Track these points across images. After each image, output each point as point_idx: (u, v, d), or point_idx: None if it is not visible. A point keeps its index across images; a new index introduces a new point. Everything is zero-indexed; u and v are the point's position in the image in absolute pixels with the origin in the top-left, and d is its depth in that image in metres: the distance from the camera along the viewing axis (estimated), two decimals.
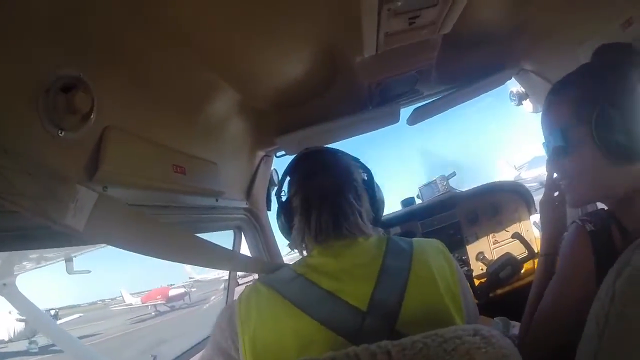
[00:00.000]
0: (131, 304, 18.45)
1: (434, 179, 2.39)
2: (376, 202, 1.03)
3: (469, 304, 0.93)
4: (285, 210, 0.99)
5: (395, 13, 1.00)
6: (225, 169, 1.37)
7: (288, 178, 1.02)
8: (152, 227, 0.81)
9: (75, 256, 2.30)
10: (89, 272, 2.59)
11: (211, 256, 0.97)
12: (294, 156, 1.07)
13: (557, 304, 0.88)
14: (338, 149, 1.04)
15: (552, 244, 1.07)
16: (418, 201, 2.45)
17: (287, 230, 1.00)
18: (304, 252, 0.96)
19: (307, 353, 0.73)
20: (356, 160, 1.05)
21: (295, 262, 0.93)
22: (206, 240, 0.91)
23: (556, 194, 1.12)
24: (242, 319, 0.82)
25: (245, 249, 1.82)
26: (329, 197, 0.91)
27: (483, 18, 1.31)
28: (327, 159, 0.98)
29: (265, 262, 1.72)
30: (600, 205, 0.96)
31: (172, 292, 17.73)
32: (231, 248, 1.79)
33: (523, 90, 1.91)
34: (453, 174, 2.42)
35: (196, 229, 1.37)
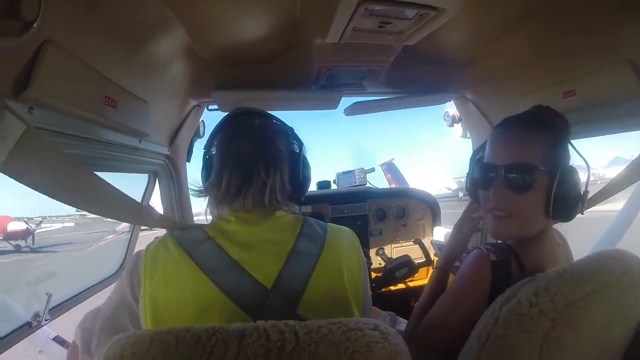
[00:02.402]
0: None
1: (354, 169, 2.56)
2: (298, 177, 0.99)
3: (366, 295, 1.00)
4: (207, 168, 0.96)
5: (370, 13, 1.06)
6: (155, 110, 1.35)
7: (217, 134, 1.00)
8: (73, 173, 0.79)
9: None
10: None
11: (124, 209, 0.96)
12: (226, 113, 1.05)
13: (447, 318, 0.94)
14: (272, 115, 1.01)
15: (450, 260, 1.17)
16: (334, 186, 2.60)
17: (205, 182, 0.98)
18: (214, 209, 0.95)
19: (205, 318, 0.76)
20: (289, 130, 1.02)
21: (208, 224, 0.93)
22: (120, 192, 0.90)
23: (475, 216, 1.17)
24: (147, 271, 0.82)
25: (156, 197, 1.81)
26: (241, 163, 0.89)
27: (444, 42, 1.41)
28: (254, 122, 0.95)
29: (176, 220, 1.73)
30: None
31: (12, 227, 12.58)
32: (143, 191, 1.78)
33: (458, 114, 2.11)
34: (372, 170, 2.61)
35: (113, 168, 1.34)
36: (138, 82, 1.20)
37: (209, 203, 0.95)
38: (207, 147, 0.99)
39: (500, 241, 0.97)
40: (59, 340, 1.61)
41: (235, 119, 0.99)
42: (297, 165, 0.99)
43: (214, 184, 0.91)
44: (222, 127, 0.99)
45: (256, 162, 0.90)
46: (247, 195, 0.89)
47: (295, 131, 1.04)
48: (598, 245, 1.88)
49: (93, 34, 0.92)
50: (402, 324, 1.49)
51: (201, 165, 1.00)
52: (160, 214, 1.11)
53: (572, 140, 0.93)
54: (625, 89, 1.07)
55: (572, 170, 0.91)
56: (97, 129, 1.05)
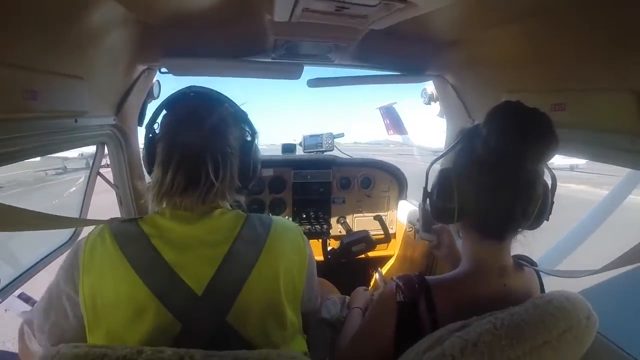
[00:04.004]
0: None
1: (321, 133, 2.51)
2: (248, 169, 0.97)
3: (311, 290, 1.03)
4: (150, 147, 0.93)
5: None
6: (94, 83, 1.28)
7: (164, 112, 0.95)
8: None
9: None
10: None
11: (53, 222, 0.93)
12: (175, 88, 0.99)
13: (359, 347, 0.99)
14: (226, 98, 0.97)
15: None
16: (299, 149, 2.56)
17: (147, 169, 0.95)
18: (155, 203, 0.91)
19: (139, 322, 0.78)
20: (243, 116, 0.99)
21: (144, 217, 0.91)
22: (41, 214, 0.84)
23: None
24: (85, 265, 0.83)
25: None
26: (188, 161, 0.86)
27: (427, 21, 1.33)
28: (205, 109, 0.90)
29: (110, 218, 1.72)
30: None
31: None
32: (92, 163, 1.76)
33: (436, 93, 2.05)
34: (341, 135, 2.58)
35: (51, 151, 1.31)
36: (69, 61, 1.12)
37: (150, 195, 0.91)
38: (150, 125, 0.95)
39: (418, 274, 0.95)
40: (24, 297, 1.65)
41: (184, 101, 0.94)
42: (248, 157, 0.97)
43: (157, 177, 0.88)
44: (168, 108, 0.95)
45: (204, 161, 0.86)
46: (192, 195, 0.87)
47: (249, 117, 1.00)
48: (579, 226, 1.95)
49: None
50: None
51: (144, 144, 0.97)
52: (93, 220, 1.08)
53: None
54: (622, 121, 1.00)
55: (444, 171, 0.93)
56: (19, 125, 0.98)
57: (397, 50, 1.65)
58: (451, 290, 0.91)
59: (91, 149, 1.77)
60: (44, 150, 1.25)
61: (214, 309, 0.81)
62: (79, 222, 1.05)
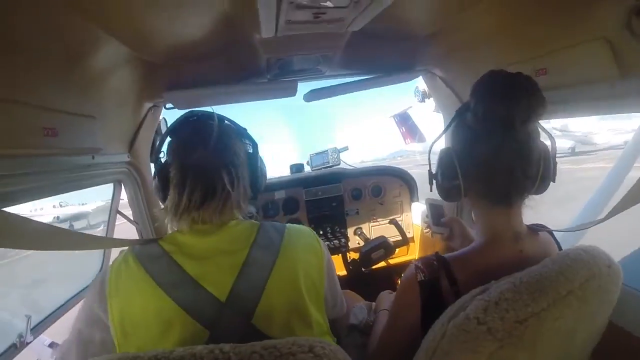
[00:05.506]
0: None
1: (327, 149, 2.59)
2: (257, 178, 1.05)
3: (335, 295, 1.07)
4: (161, 175, 0.96)
5: (297, 6, 1.00)
6: (106, 122, 1.37)
7: (169, 139, 1.00)
8: (17, 226, 0.77)
9: None
10: None
11: (80, 241, 1.00)
12: (181, 112, 1.05)
13: (389, 337, 1.01)
14: (225, 117, 1.03)
15: None
16: (307, 168, 2.64)
17: (161, 195, 0.98)
18: (174, 223, 0.94)
19: (168, 335, 0.81)
20: (243, 131, 1.06)
21: (165, 236, 0.95)
22: (71, 231, 0.94)
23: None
24: (112, 290, 0.87)
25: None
26: (203, 177, 0.90)
27: (404, 18, 1.37)
28: (209, 129, 0.94)
29: (133, 239, 1.80)
30: None
31: None
32: (110, 199, 1.83)
33: (427, 89, 2.12)
34: (345, 148, 2.64)
35: (70, 189, 1.37)
36: (81, 101, 1.21)
37: (168, 217, 0.94)
38: (158, 153, 1.01)
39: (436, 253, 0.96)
40: (54, 346, 1.72)
41: (187, 124, 1.00)
42: (256, 167, 1.05)
43: (173, 200, 0.92)
44: (173, 134, 1.00)
45: (219, 174, 0.92)
46: (209, 208, 0.91)
47: (249, 131, 1.08)
48: (584, 210, 1.93)
49: (16, 72, 0.92)
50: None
51: (154, 172, 1.01)
52: (117, 239, 1.14)
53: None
54: (600, 70, 1.02)
55: (444, 151, 0.98)
56: (40, 161, 1.05)
57: (381, 52, 1.70)
58: (469, 261, 0.93)
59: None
60: (63, 187, 1.32)
61: (239, 313, 0.85)
62: (105, 242, 1.11)
